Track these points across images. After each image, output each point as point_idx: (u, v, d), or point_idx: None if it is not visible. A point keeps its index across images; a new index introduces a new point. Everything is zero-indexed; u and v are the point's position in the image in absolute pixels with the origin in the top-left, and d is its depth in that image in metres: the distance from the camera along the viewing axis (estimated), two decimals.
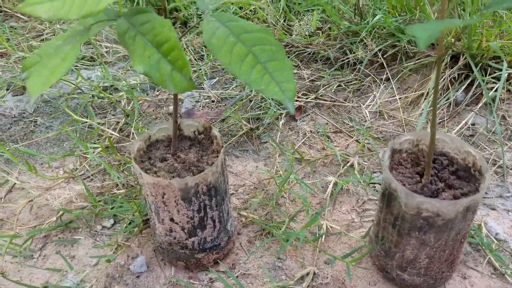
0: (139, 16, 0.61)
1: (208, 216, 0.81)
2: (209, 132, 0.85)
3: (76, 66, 1.44)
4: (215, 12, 0.67)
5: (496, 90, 1.16)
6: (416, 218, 0.72)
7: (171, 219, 0.79)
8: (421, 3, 1.27)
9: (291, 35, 1.39)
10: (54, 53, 0.58)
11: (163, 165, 0.80)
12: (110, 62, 1.48)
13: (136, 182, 1.03)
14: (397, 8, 1.34)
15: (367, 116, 1.19)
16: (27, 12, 0.54)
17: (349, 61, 1.34)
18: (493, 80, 1.19)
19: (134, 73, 1.40)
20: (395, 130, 1.15)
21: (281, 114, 1.21)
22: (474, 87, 1.20)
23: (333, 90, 1.29)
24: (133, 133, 1.19)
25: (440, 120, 1.18)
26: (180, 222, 0.79)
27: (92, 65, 1.46)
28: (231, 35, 0.63)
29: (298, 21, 1.30)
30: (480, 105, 1.17)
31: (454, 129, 1.15)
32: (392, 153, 0.79)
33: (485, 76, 1.20)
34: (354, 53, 1.35)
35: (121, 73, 1.40)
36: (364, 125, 1.17)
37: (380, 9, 1.32)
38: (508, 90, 1.19)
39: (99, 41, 1.55)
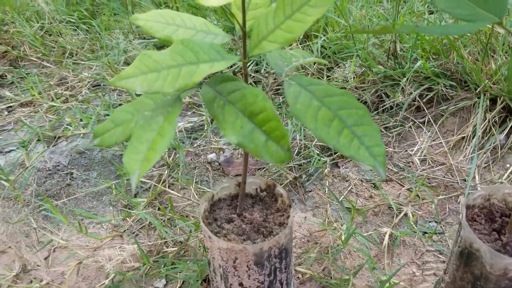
0: (227, 84, 0.59)
1: (277, 279, 0.78)
2: (272, 190, 0.83)
3: (109, 112, 1.42)
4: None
5: None
6: (502, 279, 0.69)
7: (240, 284, 0.76)
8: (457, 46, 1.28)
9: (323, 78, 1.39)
10: (145, 126, 0.56)
11: (230, 226, 0.77)
12: None
13: (187, 239, 1.00)
14: (430, 52, 1.35)
15: (417, 164, 1.17)
16: (121, 86, 0.53)
17: (385, 105, 1.34)
18: None
19: None
20: (446, 177, 1.13)
21: (324, 162, 1.20)
22: None
23: None
24: (179, 186, 1.17)
25: (485, 165, 1.17)
26: (250, 287, 0.76)
27: None
28: (314, 99, 0.62)
29: (338, 67, 1.30)
30: None
31: (500, 174, 1.13)
32: (466, 209, 0.77)
33: None
34: (389, 96, 1.35)
35: None
36: (414, 173, 1.15)
37: (418, 55, 1.32)
38: None
39: None
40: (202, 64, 0.55)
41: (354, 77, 1.38)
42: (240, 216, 0.79)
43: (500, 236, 0.74)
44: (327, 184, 1.14)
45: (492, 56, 1.30)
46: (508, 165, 1.16)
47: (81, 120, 1.39)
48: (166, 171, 1.19)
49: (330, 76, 1.41)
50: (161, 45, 1.70)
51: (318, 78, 1.42)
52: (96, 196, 1.16)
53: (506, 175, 1.12)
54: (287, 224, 0.77)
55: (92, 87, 1.60)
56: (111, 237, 1.01)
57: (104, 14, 1.93)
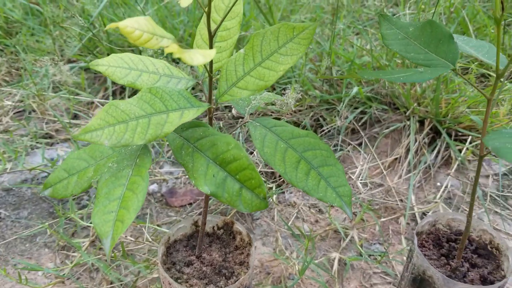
0: (195, 131, 0.58)
1: None
2: (230, 227, 0.81)
3: (37, 144, 1.32)
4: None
5: (461, 152, 1.26)
6: None
7: None
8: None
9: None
10: (113, 180, 0.52)
11: (191, 270, 0.74)
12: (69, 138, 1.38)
13: (135, 280, 0.95)
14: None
15: (360, 188, 1.22)
16: (87, 140, 0.49)
17: (323, 129, 1.38)
18: (458, 143, 1.28)
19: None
20: (386, 199, 1.19)
21: (271, 188, 1.20)
22: (442, 149, 1.29)
23: None
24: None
25: (418, 184, 1.24)
26: None
27: (53, 143, 1.35)
28: (280, 141, 0.62)
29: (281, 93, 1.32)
30: (454, 167, 1.25)
31: (432, 192, 1.21)
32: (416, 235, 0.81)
33: (451, 138, 1.29)
34: (325, 119, 1.39)
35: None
36: (357, 196, 1.19)
37: (351, 80, 1.38)
38: (473, 152, 1.29)
39: (53, 115, 1.44)
40: (172, 113, 0.53)
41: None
42: (199, 258, 0.77)
43: (448, 261, 0.79)
44: (275, 212, 1.15)
45: None
46: (439, 184, 1.24)
47: (4, 153, 1.28)
48: None
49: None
50: (94, 73, 1.61)
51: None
52: (29, 237, 1.07)
53: (439, 194, 1.19)
54: (248, 263, 0.76)
55: (14, 114, 1.47)
56: (52, 284, 0.93)
57: (21, 34, 1.80)
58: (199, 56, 0.41)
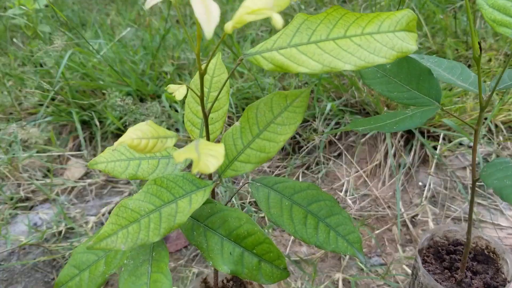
0: (202, 209, 0.58)
1: None
2: (239, 279, 0.82)
3: (16, 211, 1.28)
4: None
5: (436, 149, 1.31)
6: None
7: None
8: (352, 86, 1.38)
9: None
10: (133, 279, 0.52)
11: None
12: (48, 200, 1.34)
13: None
14: (330, 90, 1.44)
15: (349, 204, 1.24)
16: (102, 248, 0.49)
17: (301, 146, 1.40)
18: (431, 142, 1.33)
19: (93, 207, 1.28)
20: (375, 209, 1.22)
21: (256, 212, 1.21)
22: (418, 149, 1.33)
23: (300, 179, 1.33)
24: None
25: (402, 187, 1.28)
26: None
27: (32, 206, 1.31)
28: (284, 198, 0.63)
29: None
30: (433, 166, 1.30)
31: (416, 193, 1.25)
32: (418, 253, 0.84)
33: (424, 137, 1.34)
34: (301, 136, 1.41)
35: (78, 211, 1.27)
36: (349, 212, 1.22)
37: (320, 94, 1.40)
38: (449, 149, 1.34)
39: (29, 175, 1.40)
40: (181, 201, 0.52)
41: None
42: None
43: (452, 273, 0.82)
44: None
45: None
46: (420, 183, 1.28)
47: None
48: None
49: None
50: (59, 124, 1.56)
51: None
52: None
53: (424, 195, 1.23)
54: None
55: None
56: None
57: None
58: (213, 161, 0.41)
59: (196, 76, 0.60)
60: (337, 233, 0.62)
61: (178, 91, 0.50)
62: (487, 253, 0.85)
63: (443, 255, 0.85)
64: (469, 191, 1.25)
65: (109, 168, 0.57)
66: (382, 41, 0.49)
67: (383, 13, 0.51)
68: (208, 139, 0.57)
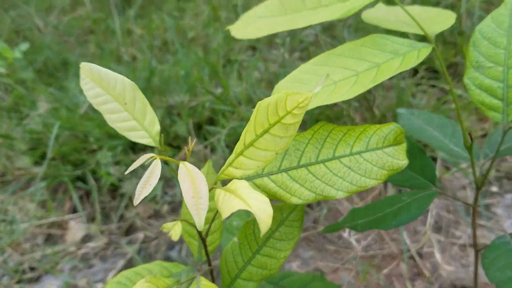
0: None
1: None
2: None
3: (21, 284, 1.27)
4: None
5: None
6: None
7: None
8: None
9: None
10: None
11: None
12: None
13: None
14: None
15: (353, 245, 1.24)
16: None
17: None
18: None
19: (98, 271, 1.27)
20: (382, 246, 1.22)
21: None
22: None
23: None
24: None
25: None
26: None
27: (38, 277, 1.30)
28: None
29: None
30: None
31: (420, 219, 1.25)
32: None
33: None
34: None
35: (84, 279, 1.26)
36: (354, 254, 1.22)
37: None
38: (446, 167, 1.34)
39: None
40: None
41: None
42: None
43: None
44: None
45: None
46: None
47: None
48: None
49: None
50: (53, 188, 1.55)
51: None
52: None
53: (427, 223, 1.23)
54: None
55: None
56: None
57: None
58: None
59: None
60: None
61: (173, 229, 0.49)
62: None
63: None
64: (471, 212, 1.25)
65: None
66: (371, 160, 0.48)
67: (369, 128, 0.50)
68: (208, 258, 0.56)
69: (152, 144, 0.48)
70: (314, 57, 0.56)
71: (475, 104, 0.59)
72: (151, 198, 1.42)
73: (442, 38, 1.64)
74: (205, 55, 1.88)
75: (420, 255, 1.17)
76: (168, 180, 1.49)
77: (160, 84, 1.71)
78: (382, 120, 1.44)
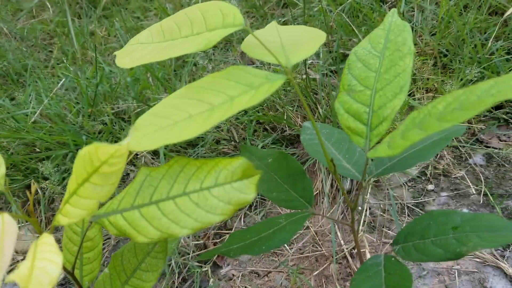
0: None
1: None
2: None
3: None
4: None
5: None
6: None
7: None
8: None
9: None
10: None
11: None
12: None
13: None
14: (269, 124, 1.45)
15: (287, 249, 1.26)
16: None
17: None
18: None
19: None
20: (315, 248, 1.24)
21: (206, 270, 1.23)
22: None
23: None
24: None
25: (341, 215, 1.30)
26: None
27: None
28: None
29: None
30: (369, 190, 1.32)
31: (356, 219, 1.28)
32: None
33: None
34: None
35: None
36: (287, 260, 1.24)
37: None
38: None
39: None
40: None
41: None
42: None
43: None
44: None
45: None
46: (360, 208, 1.31)
47: None
48: None
49: None
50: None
51: None
52: None
53: (361, 221, 1.26)
54: None
55: None
56: None
57: None
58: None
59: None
60: None
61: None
62: None
63: None
64: (406, 211, 1.28)
65: None
66: (219, 195, 0.50)
67: (220, 162, 0.51)
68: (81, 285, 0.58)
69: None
70: (178, 90, 0.57)
71: (343, 129, 0.60)
72: None
73: None
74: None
75: (353, 255, 1.20)
76: None
77: (109, 90, 1.72)
78: (326, 121, 1.46)
